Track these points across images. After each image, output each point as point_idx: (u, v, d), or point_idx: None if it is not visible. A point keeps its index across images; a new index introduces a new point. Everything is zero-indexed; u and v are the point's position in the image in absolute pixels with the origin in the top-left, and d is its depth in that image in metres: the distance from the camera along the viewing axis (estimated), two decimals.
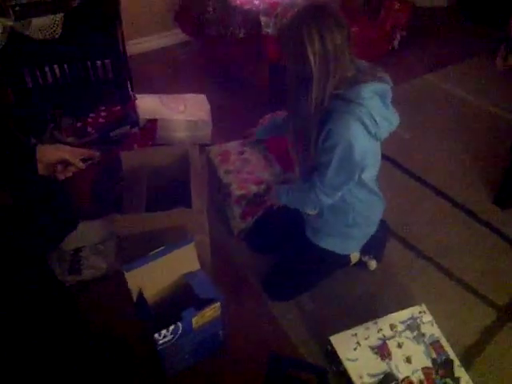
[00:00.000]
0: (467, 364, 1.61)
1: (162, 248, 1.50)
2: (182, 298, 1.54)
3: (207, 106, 2.55)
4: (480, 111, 2.78)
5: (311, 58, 1.34)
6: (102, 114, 2.21)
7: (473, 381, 1.53)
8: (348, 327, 1.61)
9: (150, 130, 2.28)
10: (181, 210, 1.63)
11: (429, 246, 2.01)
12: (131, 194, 1.77)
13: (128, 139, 2.16)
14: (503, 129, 2.64)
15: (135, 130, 2.22)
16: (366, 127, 1.39)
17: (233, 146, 2.10)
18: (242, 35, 2.54)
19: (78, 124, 2.16)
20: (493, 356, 1.65)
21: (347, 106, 1.38)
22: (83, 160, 1.45)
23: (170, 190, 1.84)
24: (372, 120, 1.39)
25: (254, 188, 1.88)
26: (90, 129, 2.14)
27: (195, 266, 1.57)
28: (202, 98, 2.60)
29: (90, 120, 2.17)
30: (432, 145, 2.55)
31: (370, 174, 1.57)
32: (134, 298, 1.50)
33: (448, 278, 1.89)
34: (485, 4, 3.52)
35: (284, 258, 1.85)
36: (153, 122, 2.30)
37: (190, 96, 2.59)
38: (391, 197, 1.87)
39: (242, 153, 2.04)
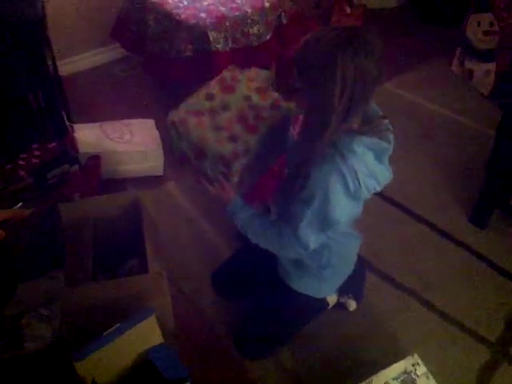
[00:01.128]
0: None
1: (117, 326, 1.27)
2: (144, 377, 1.32)
3: (156, 133, 2.30)
4: (445, 121, 2.66)
5: (337, 91, 1.12)
6: (36, 152, 1.93)
7: None
8: None
9: (93, 168, 2.01)
10: (137, 277, 1.40)
11: (408, 277, 1.87)
12: (74, 251, 1.51)
13: (68, 181, 1.89)
14: (471, 138, 2.53)
15: (75, 168, 1.96)
16: (346, 185, 1.21)
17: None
18: (189, 53, 2.30)
19: (8, 166, 1.87)
20: None
21: (332, 155, 1.20)
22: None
23: (119, 242, 1.60)
24: (355, 180, 1.21)
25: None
26: (22, 172, 1.86)
27: (157, 339, 1.35)
28: (151, 123, 2.36)
29: (21, 162, 1.89)
30: (398, 160, 2.40)
31: (347, 224, 1.41)
32: None
33: (433, 313, 1.76)
34: (437, 3, 3.42)
35: (256, 307, 1.66)
36: (95, 157, 2.03)
37: (136, 122, 2.34)
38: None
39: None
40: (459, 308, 1.78)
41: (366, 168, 1.22)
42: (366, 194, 1.27)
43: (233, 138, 1.40)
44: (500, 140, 1.95)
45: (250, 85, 1.53)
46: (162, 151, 2.22)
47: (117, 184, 2.14)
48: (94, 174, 1.99)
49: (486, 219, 2.05)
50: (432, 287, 1.84)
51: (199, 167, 1.46)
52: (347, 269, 1.58)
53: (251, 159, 1.40)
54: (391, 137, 1.29)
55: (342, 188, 1.21)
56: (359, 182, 1.21)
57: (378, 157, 1.26)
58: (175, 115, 1.45)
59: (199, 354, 1.58)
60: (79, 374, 1.23)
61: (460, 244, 2.01)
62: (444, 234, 2.05)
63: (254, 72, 1.61)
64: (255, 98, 1.48)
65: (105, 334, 1.26)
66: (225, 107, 1.46)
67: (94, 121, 2.26)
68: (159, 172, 2.23)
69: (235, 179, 1.41)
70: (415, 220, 2.10)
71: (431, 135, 2.56)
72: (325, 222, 1.26)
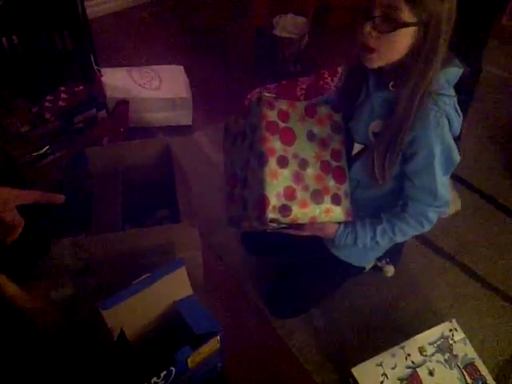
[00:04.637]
0: (503, 382, 1.42)
1: (147, 276, 1.22)
2: (172, 329, 1.28)
3: (186, 80, 2.20)
4: (493, 78, 2.48)
5: (445, 10, 0.98)
6: (63, 95, 1.85)
7: None
8: (368, 350, 1.39)
9: (121, 113, 1.93)
10: (167, 226, 1.34)
11: (447, 240, 1.78)
12: (102, 198, 1.46)
13: (95, 126, 1.82)
14: None
15: (103, 113, 1.88)
16: (451, 124, 1.10)
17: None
18: None
19: (34, 109, 1.80)
20: None
21: (431, 99, 1.07)
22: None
23: (149, 191, 1.53)
24: (456, 113, 1.10)
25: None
26: (48, 115, 1.79)
27: (187, 291, 1.30)
28: (180, 69, 2.25)
29: (47, 104, 1.82)
30: None
31: None
32: (115, 339, 1.23)
33: (473, 279, 1.68)
34: None
35: (289, 266, 1.59)
36: (123, 103, 1.95)
37: (164, 68, 2.23)
38: None
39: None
40: (500, 274, 1.69)
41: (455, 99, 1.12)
42: (458, 131, 1.16)
43: (335, 200, 1.21)
44: None
45: (297, 113, 1.24)
46: (191, 99, 2.13)
47: (144, 132, 2.07)
48: (122, 120, 1.92)
49: None
50: (471, 252, 1.75)
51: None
52: None
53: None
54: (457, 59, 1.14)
55: (449, 128, 1.10)
56: (459, 115, 1.12)
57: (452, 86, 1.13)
58: (272, 210, 1.15)
59: (228, 309, 1.54)
60: (107, 324, 1.20)
61: (504, 208, 1.91)
62: (488, 197, 1.94)
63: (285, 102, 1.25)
64: (316, 129, 1.24)
65: (134, 283, 1.21)
66: (303, 164, 1.19)
67: (121, 66, 2.17)
68: (188, 121, 2.15)
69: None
70: (456, 181, 1.99)
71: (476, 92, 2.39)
72: (450, 167, 1.16)
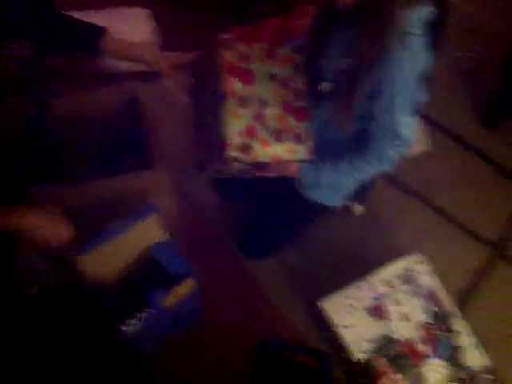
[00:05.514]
0: (464, 310, 1.52)
1: (120, 221, 1.24)
2: (147, 273, 1.32)
3: (152, 24, 2.13)
4: (462, 17, 2.47)
5: None
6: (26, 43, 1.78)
7: (471, 329, 1.43)
8: (337, 283, 1.46)
9: (86, 59, 1.88)
10: (140, 173, 1.34)
11: (416, 179, 1.84)
12: (71, 148, 1.45)
13: (59, 74, 1.77)
14: (488, 36, 2.37)
15: (66, 60, 1.83)
16: (417, 62, 1.10)
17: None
18: None
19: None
20: (489, 298, 1.58)
21: (398, 39, 1.06)
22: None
23: (118, 140, 1.53)
24: (424, 53, 1.10)
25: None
26: (10, 64, 1.72)
27: (161, 236, 1.32)
28: (145, 13, 2.17)
29: (7, 53, 1.75)
30: None
31: None
32: (88, 284, 1.26)
33: (438, 215, 1.76)
34: None
35: (259, 208, 1.62)
36: None
37: (128, 12, 2.15)
38: None
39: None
40: (464, 210, 1.77)
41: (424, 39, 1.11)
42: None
43: (297, 137, 1.21)
44: None
45: (256, 55, 1.26)
46: (157, 46, 2.07)
47: (112, 79, 2.02)
48: (86, 66, 1.86)
49: (499, 121, 1.97)
50: (438, 189, 1.82)
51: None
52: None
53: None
54: None
55: (416, 68, 1.11)
56: (428, 53, 1.11)
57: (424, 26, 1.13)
58: (233, 148, 1.17)
59: (201, 252, 1.57)
60: (81, 269, 1.22)
61: (471, 147, 1.96)
62: (455, 137, 1.99)
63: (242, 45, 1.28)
64: (277, 70, 1.24)
65: (108, 229, 1.23)
66: (263, 103, 1.21)
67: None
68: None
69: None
70: (427, 122, 2.02)
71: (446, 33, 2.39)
72: (413, 105, 1.17)
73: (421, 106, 1.19)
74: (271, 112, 1.21)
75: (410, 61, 1.09)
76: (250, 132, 1.18)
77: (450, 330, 1.41)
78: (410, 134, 1.20)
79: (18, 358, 1.27)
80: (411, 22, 1.08)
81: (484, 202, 1.80)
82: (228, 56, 1.21)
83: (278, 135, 1.20)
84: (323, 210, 1.55)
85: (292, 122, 1.23)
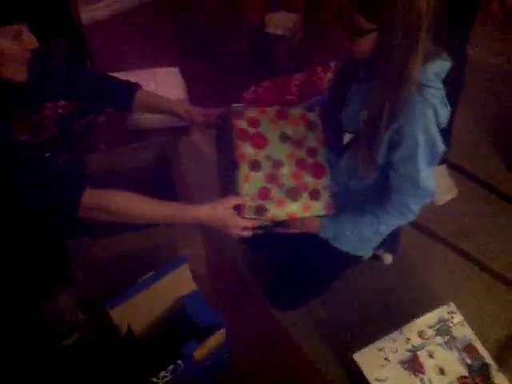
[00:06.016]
0: (502, 363, 1.45)
1: (151, 274, 1.27)
2: (177, 324, 1.32)
3: (181, 81, 2.24)
4: (484, 65, 2.51)
5: (422, 5, 0.99)
6: (61, 103, 1.89)
7: (510, 382, 1.37)
8: (369, 336, 1.42)
9: (119, 117, 1.97)
10: (170, 225, 1.37)
11: (445, 227, 1.82)
12: None
13: (94, 131, 1.86)
14: (510, 84, 2.40)
15: (101, 118, 1.92)
16: (437, 116, 1.13)
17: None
18: None
19: (34, 118, 1.84)
20: None
21: (418, 92, 1.09)
22: None
23: (148, 193, 1.57)
24: (443, 106, 1.13)
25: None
26: (47, 122, 1.83)
27: (190, 287, 1.34)
28: (175, 71, 2.28)
29: (47, 112, 1.85)
30: None
31: None
32: (123, 335, 1.27)
33: (470, 263, 1.72)
34: None
35: (288, 258, 1.63)
36: None
37: (160, 70, 2.26)
38: None
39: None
40: (496, 258, 1.73)
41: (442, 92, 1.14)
42: (444, 124, 1.19)
43: (314, 195, 1.26)
44: None
45: (268, 118, 1.30)
46: (187, 100, 2.16)
47: (143, 135, 2.10)
48: (120, 124, 1.95)
49: None
50: (469, 237, 1.80)
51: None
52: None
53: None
54: (446, 54, 1.16)
55: (435, 120, 1.13)
56: (447, 107, 1.14)
57: (440, 79, 1.15)
58: (248, 211, 1.23)
59: (230, 303, 1.57)
60: (114, 322, 1.24)
61: (499, 194, 1.94)
62: (482, 183, 1.98)
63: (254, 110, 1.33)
64: (289, 131, 1.29)
65: (139, 281, 1.25)
66: (276, 164, 1.25)
67: (117, 71, 2.20)
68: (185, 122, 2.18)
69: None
70: (452, 168, 2.02)
71: (468, 80, 2.42)
72: (434, 158, 1.19)
73: (440, 156, 1.20)
74: (285, 172, 1.25)
75: (430, 112, 1.12)
76: (263, 194, 1.22)
77: (487, 383, 1.35)
78: (431, 184, 1.22)
79: None
80: (428, 75, 1.11)
81: None
82: (239, 124, 1.26)
83: (293, 194, 1.24)
84: (352, 260, 1.55)
85: (308, 178, 1.26)
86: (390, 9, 0.99)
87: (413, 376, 1.34)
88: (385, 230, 1.29)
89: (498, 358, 1.45)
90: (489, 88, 2.39)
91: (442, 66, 1.14)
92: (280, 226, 1.32)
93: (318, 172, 1.27)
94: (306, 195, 1.24)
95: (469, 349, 1.41)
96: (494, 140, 2.14)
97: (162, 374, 1.20)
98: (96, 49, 2.34)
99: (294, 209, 1.23)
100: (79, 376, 1.32)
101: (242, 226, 1.22)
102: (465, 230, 1.82)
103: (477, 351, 1.41)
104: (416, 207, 1.25)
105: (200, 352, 1.27)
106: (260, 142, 1.26)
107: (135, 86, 1.38)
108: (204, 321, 1.28)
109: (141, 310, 1.26)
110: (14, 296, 1.22)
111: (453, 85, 1.19)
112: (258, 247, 1.74)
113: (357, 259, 1.56)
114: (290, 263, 1.61)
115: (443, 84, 1.16)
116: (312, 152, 1.29)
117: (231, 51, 2.53)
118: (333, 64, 2.12)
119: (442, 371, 1.36)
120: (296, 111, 1.33)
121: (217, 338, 1.30)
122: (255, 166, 1.23)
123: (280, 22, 2.43)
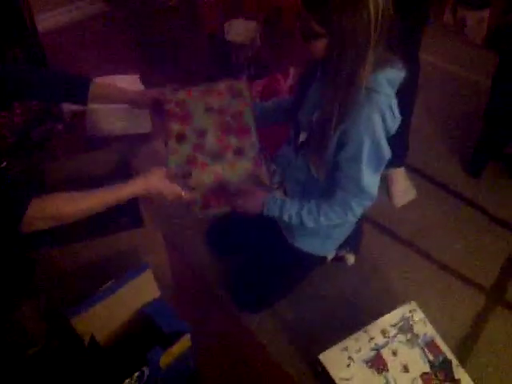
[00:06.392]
0: (463, 358, 1.50)
1: (112, 282, 1.24)
2: (142, 332, 1.30)
3: (142, 88, 2.21)
4: (439, 71, 2.60)
5: (372, 14, 1.01)
6: (17, 111, 1.84)
7: (471, 377, 1.40)
8: (334, 336, 1.43)
9: (78, 125, 1.93)
10: (131, 231, 1.36)
11: (405, 227, 1.87)
12: None
13: (52, 139, 1.82)
14: (465, 88, 2.49)
15: (59, 126, 1.88)
16: (384, 122, 1.16)
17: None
18: (172, 2, 2.21)
19: None
20: (488, 345, 1.55)
21: (369, 95, 1.12)
22: None
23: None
24: (391, 113, 1.16)
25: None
26: (4, 131, 1.77)
27: (154, 293, 1.32)
28: (135, 79, 2.26)
29: (2, 120, 1.80)
30: None
31: None
32: (86, 344, 1.24)
33: (430, 262, 1.77)
34: None
35: (252, 260, 1.63)
36: (80, 114, 1.95)
37: (120, 78, 2.23)
38: None
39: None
40: (455, 257, 1.78)
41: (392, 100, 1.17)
42: (393, 131, 1.22)
43: (238, 153, 1.30)
44: (497, 87, 1.92)
45: (194, 97, 1.41)
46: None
47: (103, 142, 2.06)
48: (79, 132, 1.92)
49: (482, 169, 2.04)
50: (428, 237, 1.84)
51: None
52: (352, 226, 1.53)
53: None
54: (400, 64, 1.19)
55: (382, 123, 1.16)
56: (394, 115, 1.17)
57: (394, 88, 1.19)
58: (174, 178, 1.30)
59: (196, 308, 1.56)
60: (76, 331, 1.21)
61: (456, 194, 2.01)
62: (440, 184, 2.04)
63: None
64: (214, 103, 1.39)
65: (100, 289, 1.23)
66: (201, 133, 1.35)
67: None
68: (146, 129, 2.16)
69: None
70: (410, 171, 2.08)
71: (424, 86, 2.50)
72: (379, 163, 1.22)
73: (385, 162, 1.24)
74: (210, 138, 1.33)
75: (376, 117, 1.14)
76: (190, 162, 1.30)
77: (449, 379, 1.38)
78: (372, 188, 1.25)
79: None
80: (379, 81, 1.14)
81: (476, 249, 1.81)
82: (168, 107, 1.40)
83: (217, 156, 1.30)
84: (316, 261, 1.57)
85: (232, 140, 1.32)
86: (340, 15, 1.02)
87: (377, 374, 1.35)
88: (323, 221, 1.30)
89: (459, 354, 1.49)
90: (444, 92, 2.48)
91: (393, 74, 1.17)
92: (215, 194, 1.34)
93: (242, 132, 1.33)
94: (230, 154, 1.30)
95: (431, 346, 1.44)
96: (450, 142, 2.21)
97: (128, 381, 1.18)
98: (54, 57, 2.30)
99: (218, 170, 1.29)
100: None
101: (176, 192, 1.27)
102: (424, 230, 1.87)
103: (438, 348, 1.44)
104: (357, 208, 1.28)
105: (165, 359, 1.25)
106: (186, 117, 1.37)
107: (89, 78, 1.42)
108: (169, 327, 1.27)
109: (104, 318, 1.24)
110: None
111: (407, 90, 1.23)
112: (223, 251, 1.74)
113: (321, 260, 1.58)
114: (254, 266, 1.62)
115: (397, 89, 1.20)
116: (236, 115, 1.36)
117: (192, 58, 2.53)
118: (292, 70, 2.15)
119: (405, 368, 1.38)
120: (221, 85, 1.43)
121: (182, 345, 1.29)
122: (181, 139, 1.34)
123: (240, 30, 2.45)
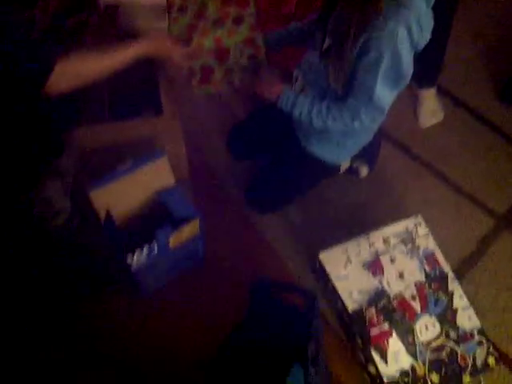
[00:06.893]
0: (461, 276, 1.54)
1: (130, 162, 1.32)
2: (156, 217, 1.39)
3: None
4: None
5: None
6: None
7: (465, 293, 1.46)
8: (339, 241, 1.50)
9: (111, 18, 1.94)
10: (150, 117, 1.41)
11: (426, 149, 1.85)
12: (90, 100, 1.52)
13: (86, 30, 1.85)
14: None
15: (93, 17, 1.90)
16: (411, 36, 1.15)
17: None
18: None
19: (26, 13, 1.82)
20: (487, 266, 1.59)
21: (396, 7, 1.12)
22: None
23: (135, 92, 1.59)
24: (418, 28, 1.15)
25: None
26: (39, 16, 1.81)
27: (169, 180, 1.40)
28: None
29: (37, 11, 1.83)
30: None
31: None
32: (102, 219, 1.34)
33: (445, 184, 1.77)
34: None
35: (268, 165, 1.68)
36: (113, 8, 1.96)
37: None
38: None
39: None
40: (472, 181, 1.77)
41: (423, 16, 1.16)
42: (421, 45, 1.22)
43: (237, 21, 1.38)
44: None
45: None
46: None
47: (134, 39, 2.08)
48: (112, 25, 1.93)
49: None
50: (449, 160, 1.83)
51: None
52: (367, 137, 1.54)
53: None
54: None
55: (408, 39, 1.16)
56: (421, 29, 1.16)
57: (428, 3, 1.18)
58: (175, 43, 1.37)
59: (207, 202, 1.63)
60: (94, 205, 1.30)
61: (484, 120, 1.95)
62: (469, 109, 1.98)
63: None
64: None
65: (118, 168, 1.31)
66: (202, 4, 1.41)
67: None
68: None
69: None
70: (441, 93, 2.01)
71: (470, 6, 2.35)
72: (397, 79, 1.23)
73: (404, 81, 1.24)
74: (211, 8, 1.40)
75: (403, 32, 1.14)
76: (191, 28, 1.39)
77: (442, 291, 1.43)
78: (384, 102, 1.26)
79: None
80: None
81: (494, 175, 1.79)
82: None
83: (218, 23, 1.39)
84: (329, 170, 1.60)
85: (232, 9, 1.39)
86: None
87: (372, 276, 1.42)
88: (330, 125, 1.33)
89: (457, 271, 1.53)
90: (490, 16, 2.33)
91: None
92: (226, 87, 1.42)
93: (242, 3, 1.39)
94: (229, 22, 1.38)
95: (430, 259, 1.48)
96: (488, 68, 2.12)
97: (136, 253, 1.29)
98: None
99: (218, 34, 1.38)
100: (66, 255, 1.41)
101: (180, 52, 1.35)
102: (446, 153, 1.85)
103: (437, 262, 1.48)
104: (365, 118, 1.29)
105: (174, 240, 1.35)
106: None
107: None
108: (180, 212, 1.35)
109: (120, 195, 1.33)
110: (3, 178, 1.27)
111: (445, 7, 1.20)
112: (241, 155, 1.79)
113: (334, 169, 1.62)
114: (269, 170, 1.66)
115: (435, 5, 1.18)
116: None
117: None
118: None
119: (400, 275, 1.44)
120: None
121: (191, 229, 1.37)
122: (182, 9, 1.42)
123: None
